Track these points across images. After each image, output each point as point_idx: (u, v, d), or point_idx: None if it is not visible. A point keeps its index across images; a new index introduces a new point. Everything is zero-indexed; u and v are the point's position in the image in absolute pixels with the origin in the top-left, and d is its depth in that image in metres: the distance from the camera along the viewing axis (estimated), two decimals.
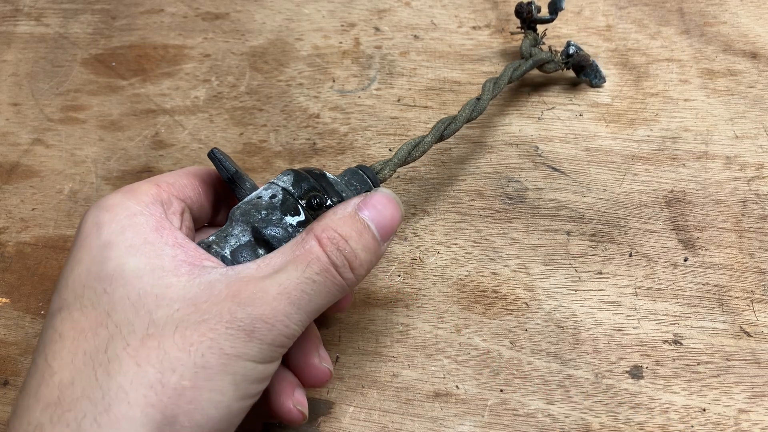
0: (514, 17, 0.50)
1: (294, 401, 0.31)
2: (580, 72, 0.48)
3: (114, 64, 0.53)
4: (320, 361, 0.32)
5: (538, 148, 0.45)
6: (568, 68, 0.48)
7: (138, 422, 0.24)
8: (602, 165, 0.44)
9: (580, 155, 0.45)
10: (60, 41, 0.55)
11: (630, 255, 0.40)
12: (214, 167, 0.32)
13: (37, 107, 0.51)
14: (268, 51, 0.53)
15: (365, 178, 0.33)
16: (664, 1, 0.54)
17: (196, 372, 0.25)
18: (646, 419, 0.35)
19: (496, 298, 0.39)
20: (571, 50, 0.47)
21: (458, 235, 0.42)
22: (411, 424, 0.35)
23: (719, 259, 0.40)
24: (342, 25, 0.54)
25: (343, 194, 0.32)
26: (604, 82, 0.48)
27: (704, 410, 0.35)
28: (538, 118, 0.47)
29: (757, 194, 0.42)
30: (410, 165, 0.45)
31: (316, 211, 0.30)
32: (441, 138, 0.38)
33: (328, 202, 0.31)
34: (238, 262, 0.29)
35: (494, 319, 0.38)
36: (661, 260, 0.40)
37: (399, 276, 0.40)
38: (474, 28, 0.53)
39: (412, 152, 0.37)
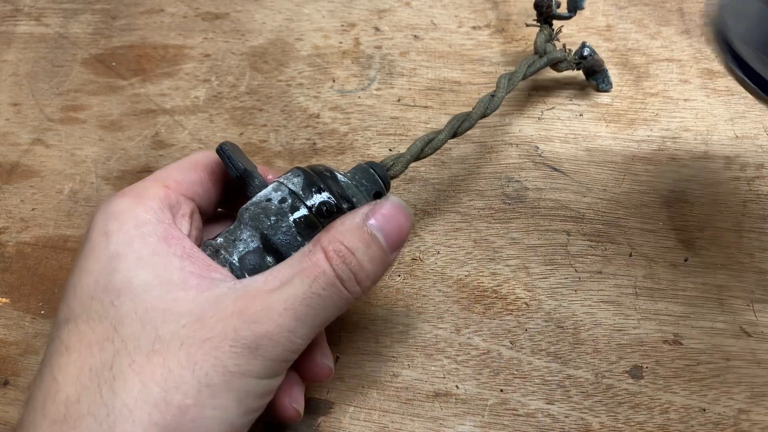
0: (514, 17, 0.50)
1: (291, 398, 0.31)
2: (590, 75, 0.48)
3: (114, 64, 0.53)
4: (322, 357, 0.32)
5: (538, 148, 0.45)
6: (579, 69, 0.47)
7: None
8: (602, 165, 0.44)
9: (580, 155, 0.45)
10: (60, 41, 0.55)
11: (630, 255, 0.40)
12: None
13: (37, 107, 0.51)
14: (268, 51, 0.53)
15: (375, 177, 0.33)
16: (664, 1, 0.54)
17: (200, 390, 0.25)
18: (646, 419, 0.35)
19: (496, 298, 0.39)
20: (586, 52, 0.46)
21: (458, 235, 0.42)
22: (411, 424, 0.35)
23: (719, 259, 0.40)
24: (342, 25, 0.54)
25: (354, 198, 0.31)
26: (611, 87, 0.48)
27: (704, 410, 0.35)
28: (538, 118, 0.47)
29: (757, 194, 0.42)
30: (410, 165, 0.45)
31: (325, 218, 0.30)
32: (455, 135, 0.38)
33: (338, 209, 0.30)
34: (247, 270, 0.29)
35: (494, 319, 0.38)
36: (661, 260, 0.40)
37: (399, 276, 0.40)
38: (474, 28, 0.53)
39: (425, 148, 0.37)
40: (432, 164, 0.45)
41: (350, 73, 0.51)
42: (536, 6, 0.46)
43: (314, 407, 0.36)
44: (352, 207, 0.31)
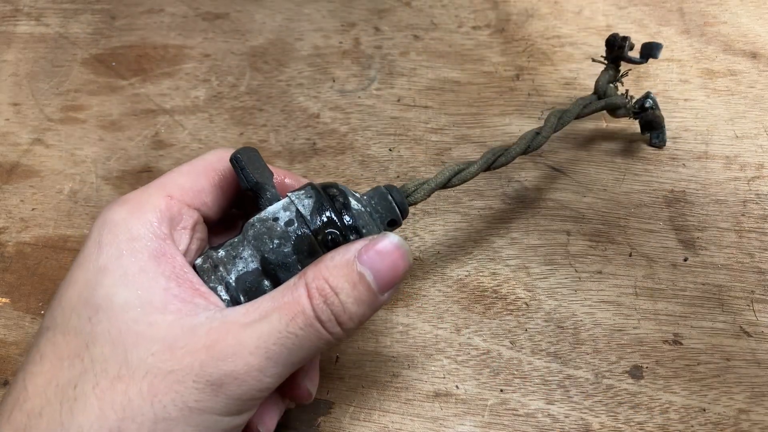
0: (514, 17, 0.50)
1: (261, 422, 0.30)
2: (646, 129, 0.45)
3: (114, 64, 0.53)
4: (304, 379, 0.31)
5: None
6: (636, 119, 0.44)
7: None
8: (602, 165, 0.44)
9: (580, 155, 0.45)
10: (60, 41, 0.55)
11: (630, 255, 0.40)
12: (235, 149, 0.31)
13: (37, 107, 0.51)
14: (268, 51, 0.53)
15: (392, 206, 0.31)
16: (664, 1, 0.54)
17: (156, 423, 0.25)
18: (646, 419, 0.35)
19: (496, 298, 0.39)
20: (648, 104, 0.43)
21: (458, 235, 0.42)
22: (411, 424, 0.35)
23: (719, 259, 0.40)
24: (342, 25, 0.54)
25: (364, 229, 0.29)
26: (665, 144, 0.45)
27: (704, 410, 0.35)
28: (538, 118, 0.47)
29: (757, 194, 0.42)
30: (410, 165, 0.45)
31: (330, 249, 0.28)
32: (488, 169, 0.36)
33: (344, 239, 0.29)
34: (242, 290, 0.29)
35: (494, 319, 0.38)
36: (661, 260, 0.40)
37: (407, 274, 0.40)
38: (474, 28, 0.53)
39: (452, 179, 0.34)
40: (432, 164, 0.45)
41: (350, 73, 0.51)
42: (608, 43, 0.42)
43: (314, 407, 0.36)
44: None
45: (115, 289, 0.26)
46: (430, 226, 0.42)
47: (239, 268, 0.29)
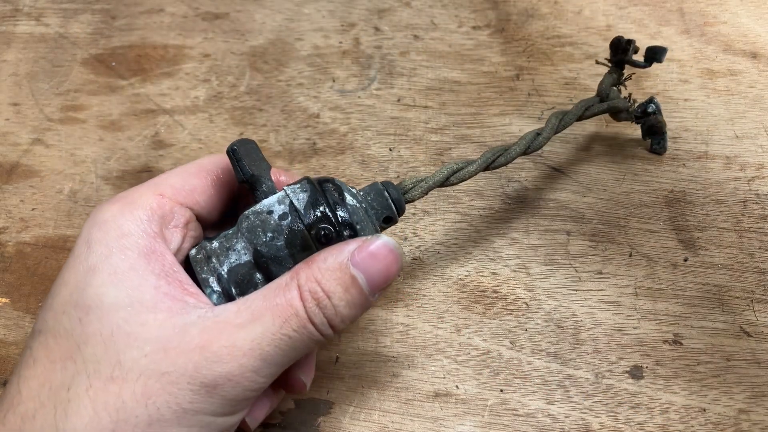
0: (514, 17, 0.50)
1: (250, 415, 0.31)
2: (648, 134, 0.44)
3: (114, 64, 0.53)
4: (299, 372, 0.31)
5: None
6: (638, 124, 0.44)
7: None
8: (602, 165, 0.44)
9: (580, 155, 0.45)
10: (60, 41, 0.55)
11: (630, 255, 0.40)
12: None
13: (37, 107, 0.51)
14: (268, 51, 0.53)
15: (388, 202, 0.31)
16: (664, 1, 0.54)
17: (150, 425, 0.25)
18: (646, 419, 0.35)
19: (496, 298, 0.39)
20: (651, 108, 0.43)
21: (458, 235, 0.42)
22: (411, 424, 0.35)
23: (719, 259, 0.40)
24: (342, 25, 0.54)
25: (358, 226, 0.29)
26: (665, 152, 0.45)
27: (704, 410, 0.35)
28: (538, 118, 0.47)
29: (757, 194, 0.42)
30: (410, 165, 0.45)
31: (323, 244, 0.28)
32: (487, 168, 0.36)
33: (338, 236, 0.29)
34: (233, 282, 0.28)
35: (494, 319, 0.38)
36: (661, 260, 0.40)
37: (399, 276, 0.40)
38: (474, 28, 0.53)
39: (451, 177, 0.34)
40: (432, 164, 0.45)
41: (350, 73, 0.51)
42: (613, 46, 0.42)
43: (314, 407, 0.36)
44: (354, 235, 0.29)
45: (104, 289, 0.26)
46: (430, 226, 0.42)
47: (232, 260, 0.29)
